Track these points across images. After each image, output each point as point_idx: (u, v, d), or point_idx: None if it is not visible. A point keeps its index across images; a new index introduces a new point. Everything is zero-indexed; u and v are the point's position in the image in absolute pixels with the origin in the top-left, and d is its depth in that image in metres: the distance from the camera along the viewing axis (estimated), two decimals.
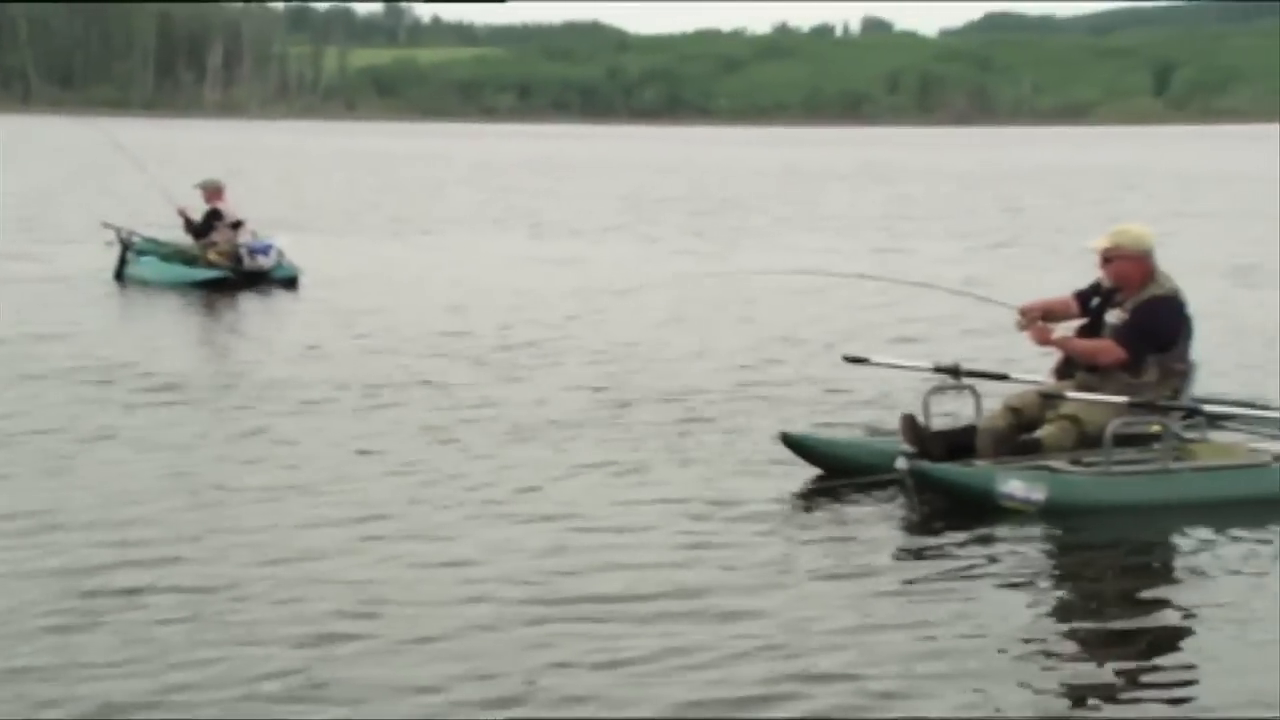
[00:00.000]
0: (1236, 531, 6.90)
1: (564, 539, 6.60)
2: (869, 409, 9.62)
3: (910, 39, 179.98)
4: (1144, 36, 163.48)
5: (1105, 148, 74.78)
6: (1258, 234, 23.74)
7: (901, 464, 7.17)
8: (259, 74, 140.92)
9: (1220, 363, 11.01)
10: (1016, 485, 7.10)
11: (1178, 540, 6.87)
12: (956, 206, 31.74)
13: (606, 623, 5.55)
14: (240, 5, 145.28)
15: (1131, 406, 7.38)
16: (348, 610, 5.65)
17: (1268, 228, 24.90)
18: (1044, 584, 6.25)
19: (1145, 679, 5.18)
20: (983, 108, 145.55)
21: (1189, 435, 7.59)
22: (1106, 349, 7.59)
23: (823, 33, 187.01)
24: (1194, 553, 6.68)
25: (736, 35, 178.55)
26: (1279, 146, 70.75)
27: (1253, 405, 8.21)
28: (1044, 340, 7.73)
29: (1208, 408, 7.68)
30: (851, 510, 7.22)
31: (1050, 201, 33.20)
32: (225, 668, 5.09)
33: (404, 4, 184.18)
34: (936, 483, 7.15)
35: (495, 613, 5.64)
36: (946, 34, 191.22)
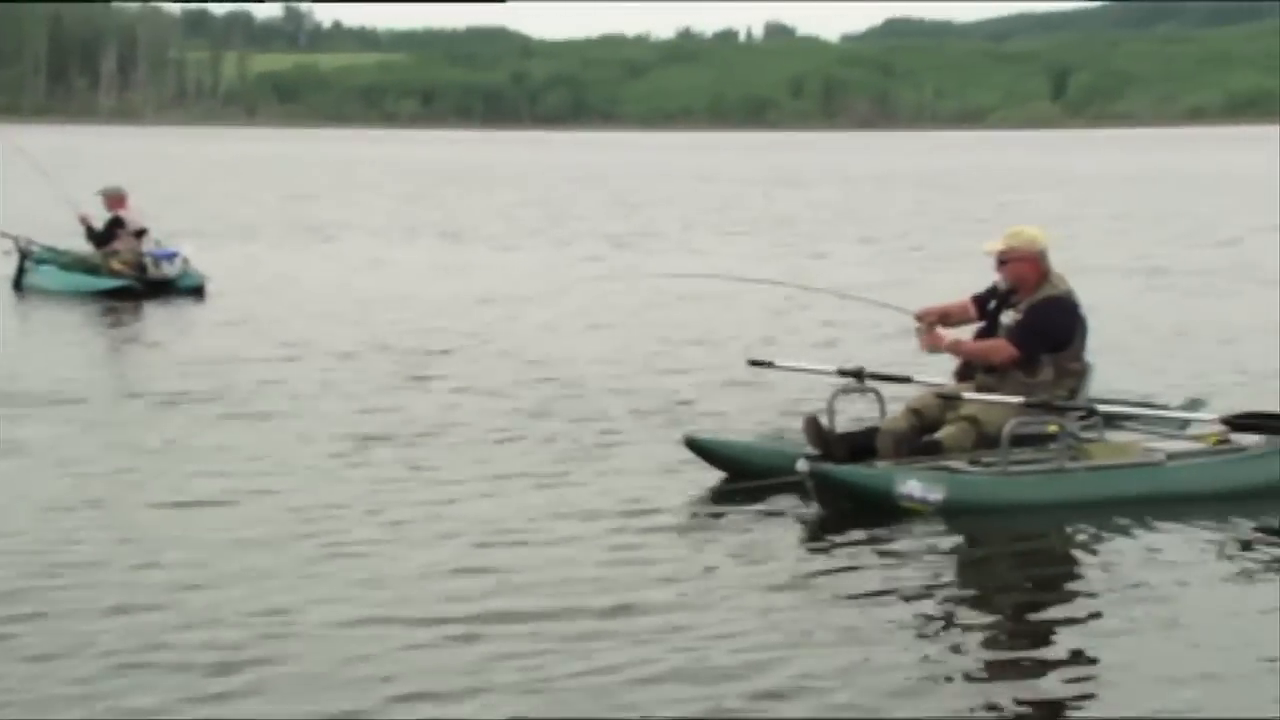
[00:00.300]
0: (1128, 530, 7.06)
1: (481, 555, 6.53)
2: (777, 412, 9.76)
3: (813, 44, 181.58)
4: (1041, 42, 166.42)
5: (1007, 151, 75.83)
6: (1160, 236, 24.26)
7: (802, 466, 7.27)
8: (155, 79, 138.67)
9: (1123, 363, 11.29)
10: (915, 485, 7.21)
11: (1073, 540, 7.01)
12: (867, 210, 31.99)
13: (530, 642, 5.46)
14: (136, 8, 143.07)
15: (1027, 406, 7.52)
16: (262, 633, 5.52)
17: (1170, 230, 25.47)
18: (951, 586, 6.32)
19: (1058, 681, 5.25)
20: (885, 112, 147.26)
21: (1086, 435, 7.74)
22: (998, 349, 7.73)
23: (726, 37, 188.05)
24: (1088, 552, 6.81)
25: (640, 40, 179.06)
26: (1171, 150, 72.56)
27: (1149, 405, 8.38)
28: (935, 345, 7.86)
29: (1103, 408, 7.83)
30: (758, 516, 7.29)
31: (958, 204, 33.55)
32: (135, 698, 4.96)
33: (304, 8, 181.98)
34: (837, 484, 7.25)
35: (413, 634, 5.54)
36: (848, 39, 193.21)
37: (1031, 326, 7.69)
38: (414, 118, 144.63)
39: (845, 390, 8.12)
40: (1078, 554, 6.82)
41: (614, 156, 71.51)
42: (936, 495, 7.20)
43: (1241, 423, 7.84)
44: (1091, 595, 6.21)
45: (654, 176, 49.20)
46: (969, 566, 6.67)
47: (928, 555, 6.70)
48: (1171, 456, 7.68)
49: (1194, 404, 8.57)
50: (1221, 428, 7.88)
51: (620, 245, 23.33)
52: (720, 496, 7.64)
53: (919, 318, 7.94)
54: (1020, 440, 7.43)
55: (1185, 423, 8.14)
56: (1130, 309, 15.11)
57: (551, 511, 7.29)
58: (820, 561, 6.61)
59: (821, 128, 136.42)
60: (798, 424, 8.16)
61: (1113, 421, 7.95)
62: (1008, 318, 7.82)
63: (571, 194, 38.67)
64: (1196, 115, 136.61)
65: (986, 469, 7.43)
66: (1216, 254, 20.98)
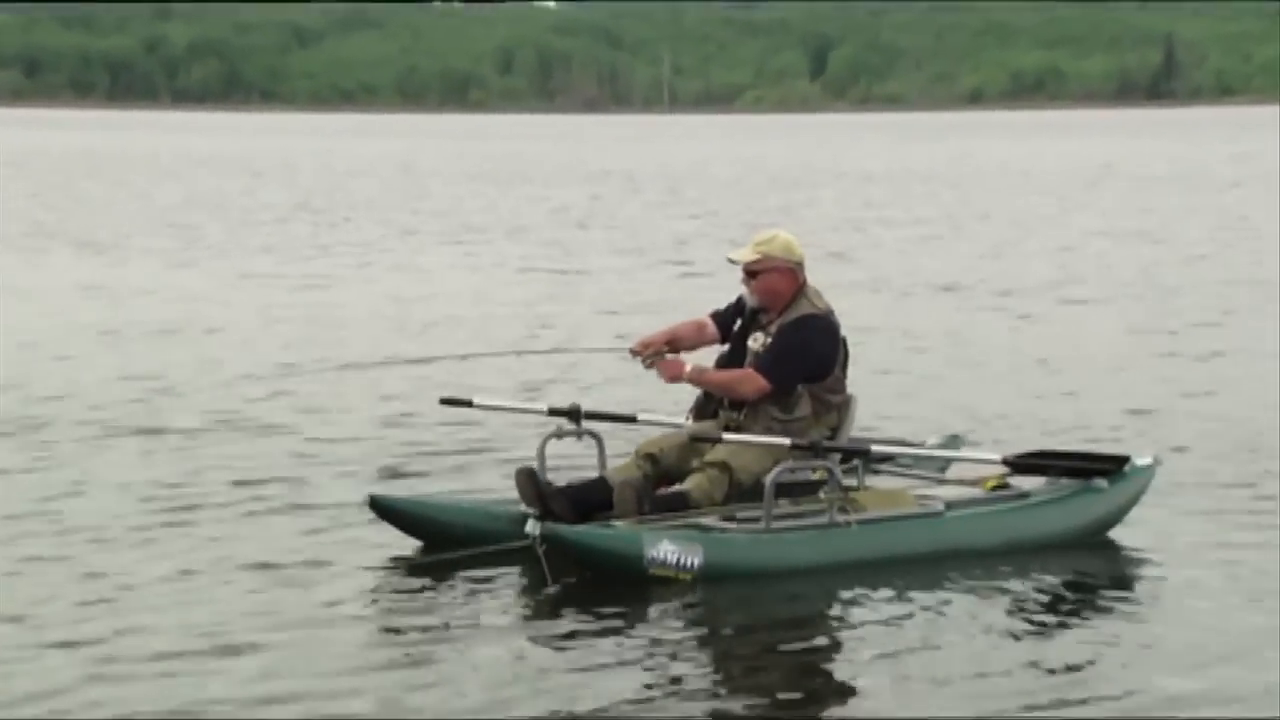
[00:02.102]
0: (912, 594, 7.31)
1: (140, 653, 6.51)
2: (478, 461, 9.87)
3: (524, 9, 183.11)
4: (794, 9, 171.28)
5: (767, 139, 77.52)
6: (952, 248, 24.92)
7: (533, 528, 7.27)
8: None
9: (876, 394, 11.69)
10: (668, 549, 7.29)
11: (852, 609, 7.19)
12: (618, 214, 32.30)
13: None
14: None
15: (794, 449, 7.67)
16: None
17: (968, 236, 26.34)
18: (716, 676, 6.44)
19: None
20: (616, 93, 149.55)
21: (846, 481, 7.89)
22: (745, 379, 7.83)
23: None
24: (870, 625, 6.96)
25: (310, 1, 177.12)
26: (953, 138, 75.62)
27: (908, 443, 8.71)
28: (674, 375, 7.95)
29: (877, 448, 8.10)
30: (467, 595, 7.27)
31: (725, 206, 33.92)
32: None
33: None
34: (576, 549, 7.28)
35: None
36: (566, 3, 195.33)
37: (784, 352, 7.82)
38: (16, 93, 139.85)
39: (559, 433, 8.20)
40: (859, 628, 6.99)
41: (285, 143, 70.53)
42: (694, 560, 7.32)
43: (1024, 463, 8.26)
44: (878, 676, 6.39)
45: (345, 170, 48.65)
46: (736, 649, 6.76)
47: (686, 636, 6.81)
48: (950, 505, 8.02)
49: (952, 440, 9.01)
50: (1002, 469, 8.28)
51: (322, 256, 23.06)
52: (417, 570, 7.59)
53: (636, 352, 8.06)
54: (780, 490, 7.59)
55: (948, 463, 8.58)
56: (905, 331, 15.76)
57: (225, 602, 7.17)
58: (557, 654, 6.58)
59: (540, 110, 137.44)
60: (502, 475, 8.26)
61: (871, 464, 8.21)
62: (756, 342, 7.95)
63: (248, 191, 37.92)
64: (976, 98, 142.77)
65: (748, 526, 7.57)
66: (1017, 266, 21.86)
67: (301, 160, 54.80)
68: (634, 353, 8.10)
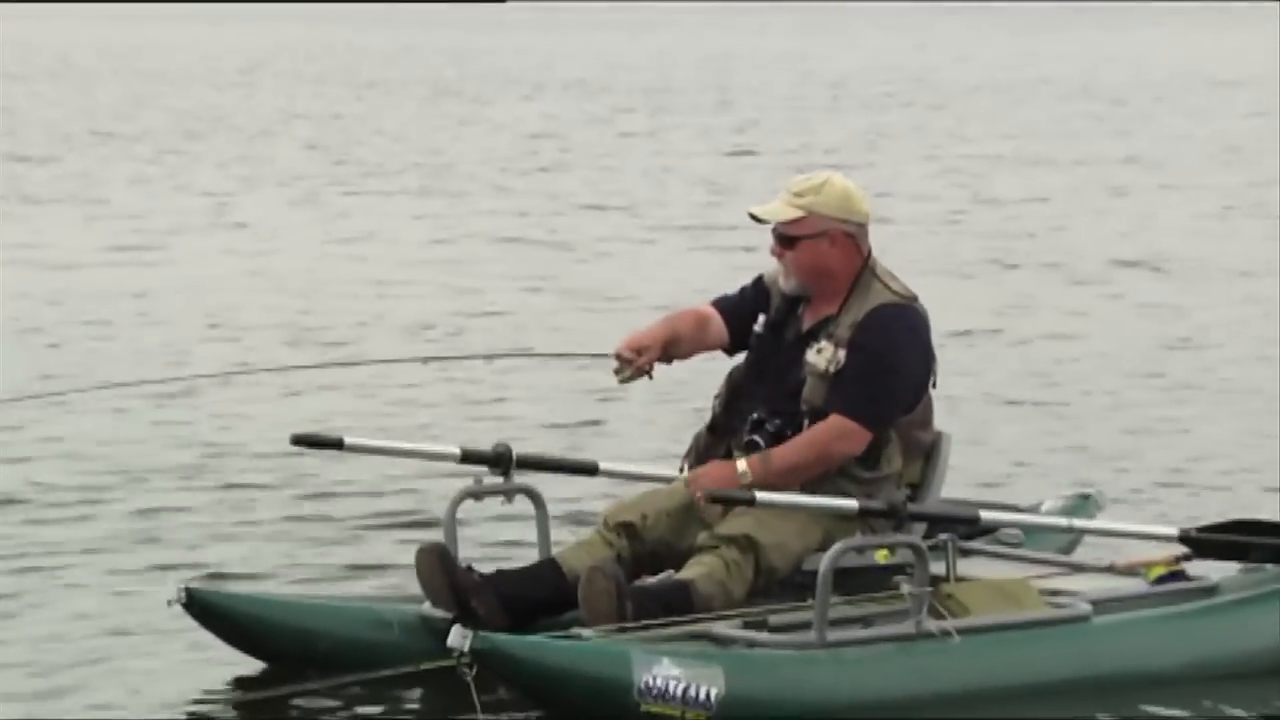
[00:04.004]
0: None
1: None
2: (351, 535, 10.08)
3: None
4: None
5: (791, 34, 78.36)
6: (1112, 205, 25.29)
7: (459, 640, 7.20)
8: None
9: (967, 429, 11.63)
10: (671, 674, 7.34)
11: None
12: (588, 143, 32.89)
13: None
14: None
15: (864, 516, 7.68)
16: None
17: (1129, 193, 26.56)
18: None
19: None
20: None
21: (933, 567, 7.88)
22: (837, 434, 7.79)
23: None
24: None
25: None
26: (1076, 30, 76.07)
27: (1016, 509, 8.80)
28: (723, 481, 7.77)
29: (988, 515, 8.19)
30: None
31: (753, 134, 34.22)
32: None
33: None
34: (525, 672, 7.35)
35: None
36: None
37: (874, 372, 7.80)
38: None
39: (478, 490, 8.24)
40: None
41: (48, 30, 71.00)
42: (710, 690, 7.36)
43: (1211, 540, 8.36)
44: None
45: (151, 72, 49.16)
46: None
47: None
48: (1099, 605, 8.04)
49: (1081, 503, 9.18)
50: (1175, 549, 8.35)
51: (134, 218, 23.40)
52: (263, 709, 7.69)
53: (623, 359, 8.11)
54: (836, 581, 7.54)
55: (1080, 538, 8.75)
56: (1020, 338, 16.15)
57: None
58: None
59: None
60: (389, 556, 8.41)
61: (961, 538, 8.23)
62: (822, 355, 7.89)
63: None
64: None
65: (792, 637, 7.62)
66: (1227, 228, 22.46)
67: (79, 56, 54.81)
68: (621, 359, 8.12)
